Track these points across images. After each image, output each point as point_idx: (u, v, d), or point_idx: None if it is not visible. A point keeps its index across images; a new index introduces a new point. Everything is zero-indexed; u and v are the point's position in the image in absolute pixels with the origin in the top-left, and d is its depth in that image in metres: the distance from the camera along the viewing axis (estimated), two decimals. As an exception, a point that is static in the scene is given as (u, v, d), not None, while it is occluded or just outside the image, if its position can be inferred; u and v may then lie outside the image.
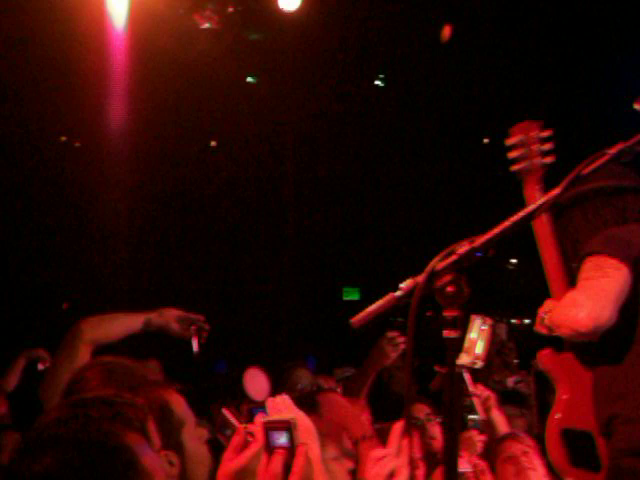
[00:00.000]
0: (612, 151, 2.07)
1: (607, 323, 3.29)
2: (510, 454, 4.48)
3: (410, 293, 2.14)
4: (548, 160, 3.77)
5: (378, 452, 2.82)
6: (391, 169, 11.46)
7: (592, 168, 2.06)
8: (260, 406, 2.41)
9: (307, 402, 4.05)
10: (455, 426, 2.11)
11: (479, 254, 2.10)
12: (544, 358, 3.72)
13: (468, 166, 11.21)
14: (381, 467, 2.77)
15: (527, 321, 11.95)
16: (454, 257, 2.11)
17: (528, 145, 3.79)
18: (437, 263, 2.13)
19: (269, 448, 2.15)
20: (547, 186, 3.63)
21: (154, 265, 11.21)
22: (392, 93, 10.71)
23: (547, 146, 3.78)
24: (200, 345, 3.87)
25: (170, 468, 2.43)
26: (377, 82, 10.62)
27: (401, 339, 5.13)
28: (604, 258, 3.39)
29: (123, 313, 3.85)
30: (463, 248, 2.12)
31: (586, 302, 3.31)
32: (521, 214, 2.14)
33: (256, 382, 5.34)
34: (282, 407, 2.51)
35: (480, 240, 2.13)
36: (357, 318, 2.24)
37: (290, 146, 11.36)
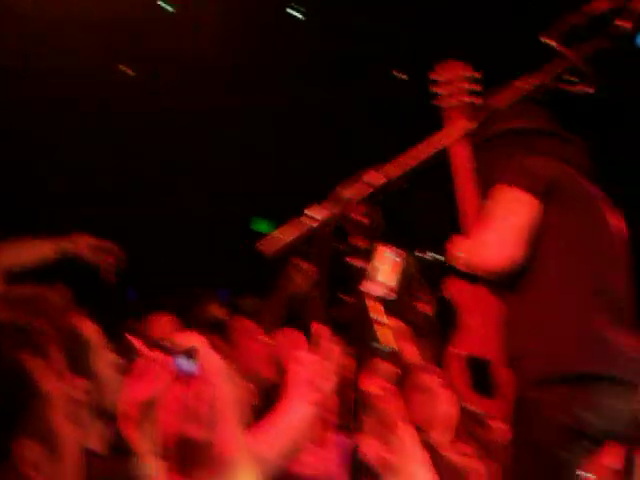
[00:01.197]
0: (524, 86, 2.10)
1: (516, 260, 3.36)
2: (424, 386, 4.57)
3: (326, 223, 2.15)
4: (474, 100, 3.79)
5: (303, 354, 2.84)
6: (298, 94, 11.36)
7: (509, 103, 2.08)
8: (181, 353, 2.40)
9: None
10: (362, 353, 2.15)
11: (394, 186, 2.13)
12: (451, 287, 3.78)
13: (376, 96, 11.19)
14: (308, 371, 2.79)
15: (438, 255, 12.11)
16: (370, 189, 2.13)
17: (455, 82, 3.81)
18: (349, 192, 2.14)
19: (175, 376, 2.13)
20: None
21: (64, 189, 11.02)
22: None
23: (474, 86, 3.79)
24: (111, 272, 3.84)
25: (79, 393, 2.42)
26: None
27: (305, 265, 5.13)
28: (512, 190, 3.43)
29: (34, 239, 3.80)
30: (378, 180, 2.14)
31: (495, 241, 3.36)
32: (436, 143, 2.16)
33: None
34: (192, 339, 2.52)
35: (394, 171, 2.14)
36: (269, 247, 2.23)
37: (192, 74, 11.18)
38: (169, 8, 9.82)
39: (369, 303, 2.53)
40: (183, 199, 11.97)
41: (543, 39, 2.02)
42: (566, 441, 3.29)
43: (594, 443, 3.34)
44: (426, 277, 7.11)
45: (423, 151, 2.13)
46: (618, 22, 2.01)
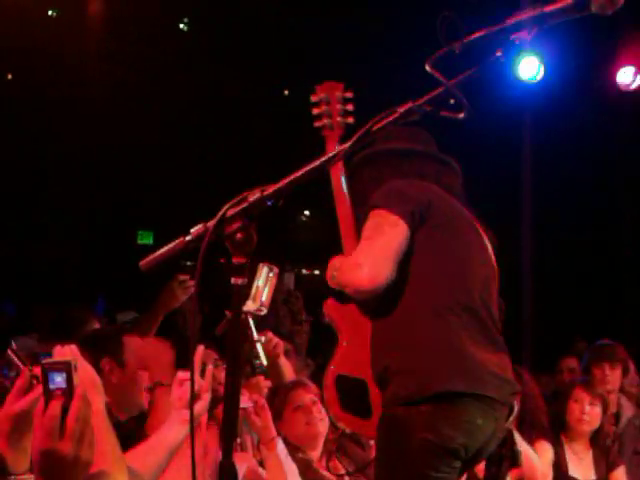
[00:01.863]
0: (400, 109, 2.14)
1: (385, 281, 3.42)
2: (300, 403, 4.59)
3: (200, 238, 2.16)
4: (349, 120, 3.87)
5: (182, 374, 2.86)
6: (191, 116, 11.37)
7: (382, 125, 2.13)
8: (48, 352, 2.36)
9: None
10: (237, 369, 2.16)
11: (270, 202, 2.14)
12: (327, 308, 3.83)
13: (268, 117, 11.26)
14: (184, 390, 2.81)
15: (317, 272, 12.20)
16: (244, 204, 2.15)
17: (331, 103, 3.89)
18: (228, 209, 2.16)
19: (47, 391, 2.09)
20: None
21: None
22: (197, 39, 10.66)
23: (348, 106, 3.89)
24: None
25: None
26: (181, 26, 10.50)
27: (191, 282, 5.16)
28: (383, 213, 3.51)
29: None
30: (254, 196, 2.15)
31: (365, 263, 3.42)
32: (312, 165, 2.19)
33: None
34: (68, 354, 2.48)
35: (271, 188, 2.16)
36: (146, 260, 2.23)
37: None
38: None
39: (244, 318, 2.55)
40: (64, 207, 11.81)
41: (426, 66, 2.07)
42: (433, 459, 3.35)
43: (462, 461, 3.41)
44: (306, 293, 7.18)
45: (301, 171, 2.16)
46: (497, 53, 2.07)
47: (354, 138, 2.11)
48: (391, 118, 2.11)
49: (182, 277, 5.15)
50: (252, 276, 2.76)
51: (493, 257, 3.74)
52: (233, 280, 2.14)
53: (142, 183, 11.95)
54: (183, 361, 4.93)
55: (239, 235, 2.13)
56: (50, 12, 9.68)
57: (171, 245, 2.22)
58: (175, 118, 11.20)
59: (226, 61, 10.88)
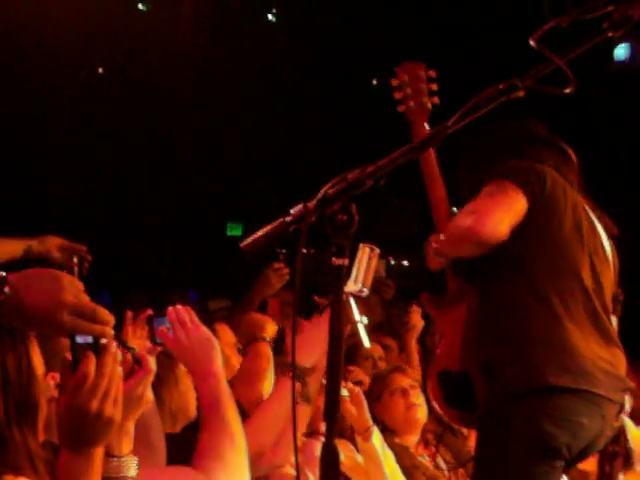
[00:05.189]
0: (504, 85, 2.09)
1: (502, 236, 3.31)
2: (399, 387, 4.58)
3: (300, 218, 2.14)
4: (434, 100, 3.80)
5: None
6: (277, 105, 11.39)
7: (487, 101, 2.08)
8: (161, 315, 2.37)
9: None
10: (339, 350, 2.13)
11: (370, 182, 2.11)
12: (424, 302, 3.76)
13: (355, 106, 11.22)
14: None
15: (405, 262, 12.11)
16: (344, 184, 2.12)
17: (414, 85, 3.79)
18: (329, 189, 2.14)
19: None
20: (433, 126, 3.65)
21: (37, 188, 10.96)
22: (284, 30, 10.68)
23: (433, 86, 3.80)
24: (81, 275, 3.81)
25: (54, 390, 2.41)
26: (270, 17, 10.52)
27: (286, 270, 5.18)
28: (505, 182, 3.41)
29: (3, 238, 3.76)
30: (354, 175, 2.13)
31: (484, 211, 3.33)
32: (413, 144, 2.16)
33: None
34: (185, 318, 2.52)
35: (371, 168, 2.14)
36: (246, 242, 2.22)
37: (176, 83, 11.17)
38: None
39: (347, 300, 2.52)
40: (154, 203, 11.94)
41: (531, 42, 2.02)
42: (535, 456, 3.27)
43: (564, 460, 3.32)
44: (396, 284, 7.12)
45: (401, 150, 2.13)
46: (606, 30, 2.01)
47: (458, 115, 2.06)
48: (495, 94, 2.07)
49: (277, 265, 5.16)
50: (353, 257, 2.72)
51: (609, 246, 3.62)
52: (334, 261, 2.12)
53: (230, 175, 12.00)
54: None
55: (340, 216, 2.11)
56: (140, 6, 9.79)
57: (271, 226, 2.20)
58: (263, 108, 11.22)
59: (312, 54, 10.89)
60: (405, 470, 4.24)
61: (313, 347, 2.91)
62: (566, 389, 3.28)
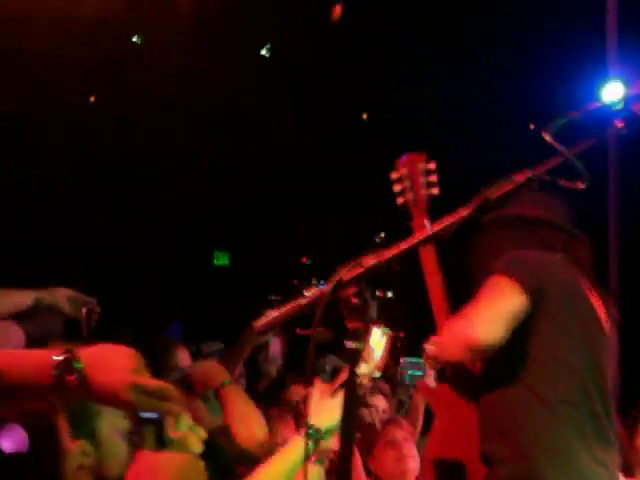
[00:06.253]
0: (518, 178, 2.15)
1: (499, 342, 3.33)
2: (391, 438, 4.60)
3: (315, 301, 2.19)
4: (433, 192, 3.84)
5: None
6: (269, 133, 11.41)
7: (500, 194, 2.13)
8: None
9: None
10: (351, 432, 2.18)
11: (385, 268, 2.16)
12: (422, 389, 3.79)
13: (345, 141, 11.28)
14: None
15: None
16: (360, 269, 2.17)
17: (413, 178, 3.85)
18: (344, 273, 2.19)
19: None
20: (432, 217, 3.70)
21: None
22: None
23: (432, 178, 3.85)
24: (89, 326, 3.85)
25: (83, 458, 2.43)
26: (263, 52, 10.57)
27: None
28: (504, 279, 3.42)
29: (12, 290, 3.80)
30: (369, 261, 2.18)
31: (480, 319, 3.36)
32: (432, 230, 2.21)
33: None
34: None
35: (387, 254, 2.19)
36: (261, 323, 2.27)
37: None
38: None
39: (360, 382, 2.56)
40: (138, 228, 11.93)
41: (542, 134, 2.08)
42: None
43: None
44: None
45: (416, 241, 2.18)
46: (617, 124, 2.07)
47: (473, 207, 2.12)
48: (509, 188, 2.12)
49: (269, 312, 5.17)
50: (366, 340, 2.77)
51: (610, 333, 3.63)
52: (348, 344, 2.17)
53: (217, 202, 12.01)
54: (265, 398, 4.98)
55: (355, 300, 2.16)
56: (135, 39, 9.82)
57: (286, 308, 2.25)
58: (254, 136, 11.24)
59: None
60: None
61: (332, 412, 2.96)
62: None
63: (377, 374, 2.81)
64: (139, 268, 12.07)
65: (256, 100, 10.94)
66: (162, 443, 2.18)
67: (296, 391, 4.98)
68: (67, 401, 1.96)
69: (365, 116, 11.59)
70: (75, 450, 2.42)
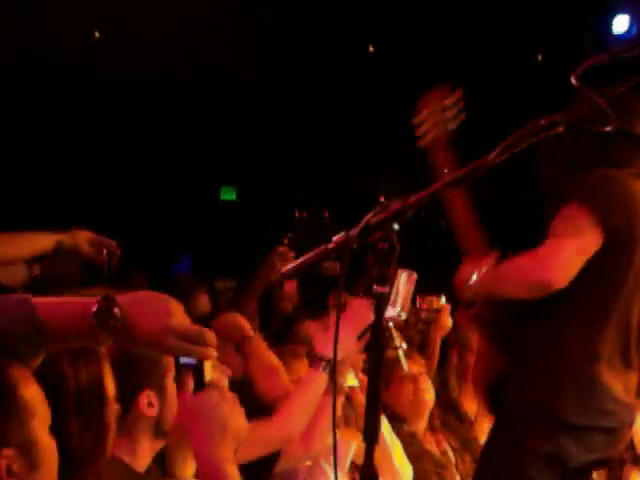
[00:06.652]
0: (544, 122, 2.14)
1: (568, 282, 3.29)
2: (408, 373, 4.63)
3: (342, 246, 2.20)
4: (453, 125, 3.73)
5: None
6: (275, 67, 11.31)
7: (527, 139, 2.13)
8: None
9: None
10: (378, 377, 2.20)
11: (411, 212, 2.17)
12: (461, 317, 3.76)
13: (349, 75, 11.19)
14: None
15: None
16: (386, 214, 2.18)
17: (434, 117, 3.75)
18: (370, 218, 2.20)
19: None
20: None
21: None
22: None
23: (452, 112, 3.73)
24: (110, 269, 3.87)
25: (149, 409, 2.47)
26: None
27: (291, 254, 5.18)
28: (586, 212, 3.31)
29: (33, 232, 3.81)
30: (395, 205, 2.18)
31: (556, 259, 3.29)
32: (457, 174, 2.20)
33: None
34: None
35: (413, 198, 2.19)
36: (287, 269, 2.28)
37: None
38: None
39: (387, 325, 2.59)
40: (146, 164, 11.90)
41: (571, 79, 2.05)
42: (542, 466, 3.35)
43: (569, 470, 3.39)
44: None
45: (441, 184, 2.18)
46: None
47: (498, 150, 2.11)
48: (537, 130, 2.11)
49: (282, 249, 5.18)
50: (393, 283, 2.78)
51: None
52: (375, 288, 2.18)
53: (225, 136, 11.93)
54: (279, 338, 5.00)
55: (381, 244, 2.17)
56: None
57: (312, 253, 2.26)
58: (260, 69, 11.15)
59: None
60: (413, 457, 4.32)
61: (340, 342, 2.99)
62: (585, 427, 3.36)
63: (404, 316, 2.82)
64: (147, 205, 12.08)
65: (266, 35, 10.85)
66: (201, 388, 2.21)
67: (310, 327, 4.99)
68: (116, 348, 1.98)
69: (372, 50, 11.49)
70: (143, 400, 2.46)
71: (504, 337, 3.57)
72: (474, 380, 3.78)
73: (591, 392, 3.38)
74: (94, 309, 1.77)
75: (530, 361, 3.47)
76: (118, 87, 10.91)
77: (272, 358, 3.78)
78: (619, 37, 8.79)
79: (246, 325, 3.82)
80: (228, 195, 12.71)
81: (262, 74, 11.23)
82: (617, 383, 3.41)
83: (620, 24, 9.03)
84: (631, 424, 3.51)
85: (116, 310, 1.78)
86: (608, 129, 2.11)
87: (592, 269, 3.34)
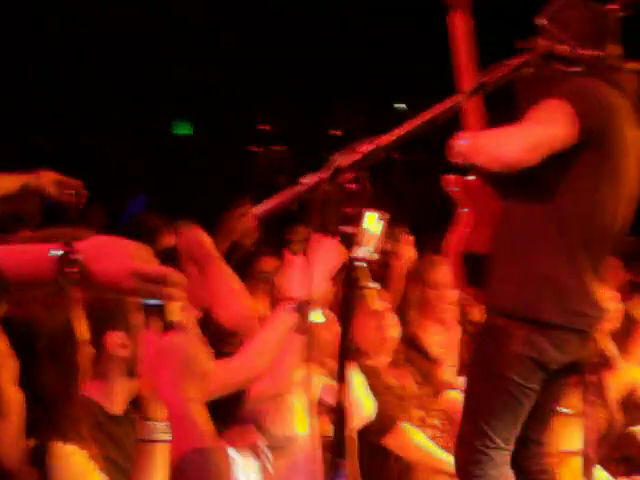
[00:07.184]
0: (515, 62, 2.15)
1: (529, 164, 3.33)
2: (372, 308, 4.64)
3: (313, 188, 2.21)
4: None
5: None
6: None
7: (496, 78, 2.14)
8: None
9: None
10: (350, 316, 2.23)
11: (383, 154, 2.18)
12: (448, 181, 3.73)
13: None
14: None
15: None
16: (358, 155, 2.19)
17: None
18: (340, 159, 2.20)
19: None
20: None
21: None
22: None
23: None
24: (77, 210, 3.85)
25: (121, 349, 2.46)
26: None
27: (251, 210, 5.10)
28: (565, 105, 3.34)
29: None
30: (368, 147, 2.19)
31: (522, 140, 3.34)
32: (427, 116, 2.20)
33: None
34: None
35: (385, 140, 2.19)
36: (259, 209, 2.28)
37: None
38: None
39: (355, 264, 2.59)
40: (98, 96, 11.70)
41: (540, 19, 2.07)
42: (525, 369, 3.47)
43: (549, 373, 3.52)
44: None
45: (415, 122, 2.18)
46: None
47: (472, 88, 2.12)
48: (507, 71, 2.13)
49: (241, 210, 5.17)
50: (363, 224, 2.77)
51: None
52: (345, 229, 2.20)
53: (178, 69, 11.74)
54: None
55: (353, 186, 2.18)
56: None
57: (284, 194, 2.26)
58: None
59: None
60: (375, 391, 4.35)
61: (311, 282, 3.00)
62: (560, 326, 3.48)
63: (375, 256, 2.82)
64: (97, 139, 11.92)
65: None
66: (167, 329, 2.20)
67: (268, 263, 4.97)
68: (83, 294, 1.97)
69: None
70: (114, 341, 2.45)
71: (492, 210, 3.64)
72: (452, 247, 3.79)
73: (567, 293, 3.49)
74: (53, 257, 1.75)
75: (511, 256, 3.55)
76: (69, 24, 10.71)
77: (235, 282, 3.72)
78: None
79: (209, 242, 3.73)
80: (182, 129, 12.58)
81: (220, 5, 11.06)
82: (590, 287, 3.53)
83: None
84: (597, 329, 3.67)
85: (75, 257, 1.75)
86: (577, 70, 2.12)
87: (567, 168, 3.42)
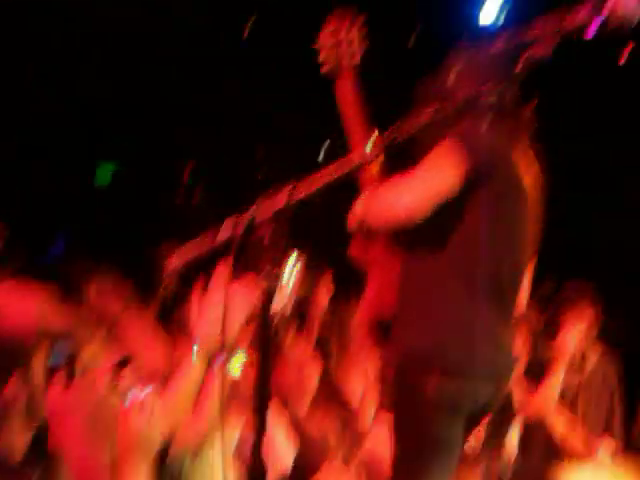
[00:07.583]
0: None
1: (419, 219, 3.28)
2: (292, 357, 4.61)
3: (226, 243, 2.19)
4: (357, 57, 3.66)
5: None
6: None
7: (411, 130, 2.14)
8: None
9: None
10: (268, 363, 2.20)
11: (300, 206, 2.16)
12: (354, 249, 3.70)
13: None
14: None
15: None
16: (270, 212, 2.17)
17: (337, 46, 3.67)
18: (255, 213, 2.18)
19: None
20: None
21: None
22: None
23: (356, 45, 3.66)
24: None
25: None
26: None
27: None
28: (450, 151, 3.29)
29: None
30: (281, 198, 2.17)
31: (411, 193, 3.30)
32: (346, 165, 2.20)
33: None
34: None
35: (303, 191, 2.18)
36: (172, 267, 2.26)
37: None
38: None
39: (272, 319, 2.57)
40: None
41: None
42: (442, 418, 3.38)
43: (469, 419, 3.46)
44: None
45: (332, 172, 2.18)
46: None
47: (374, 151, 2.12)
48: (418, 124, 2.14)
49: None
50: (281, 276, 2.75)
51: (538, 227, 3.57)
52: (260, 283, 2.18)
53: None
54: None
55: (267, 241, 2.16)
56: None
57: (197, 249, 2.24)
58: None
59: None
60: (295, 441, 4.34)
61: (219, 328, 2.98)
62: (472, 375, 3.39)
63: (288, 311, 2.81)
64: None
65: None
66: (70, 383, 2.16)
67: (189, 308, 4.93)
68: None
69: None
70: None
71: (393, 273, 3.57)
72: (361, 315, 3.76)
73: (475, 341, 3.40)
74: None
75: (416, 306, 3.47)
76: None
77: (153, 331, 3.70)
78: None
79: (119, 297, 3.70)
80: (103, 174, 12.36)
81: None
82: (500, 334, 3.48)
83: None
84: (510, 374, 3.59)
85: None
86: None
87: (461, 214, 3.36)
